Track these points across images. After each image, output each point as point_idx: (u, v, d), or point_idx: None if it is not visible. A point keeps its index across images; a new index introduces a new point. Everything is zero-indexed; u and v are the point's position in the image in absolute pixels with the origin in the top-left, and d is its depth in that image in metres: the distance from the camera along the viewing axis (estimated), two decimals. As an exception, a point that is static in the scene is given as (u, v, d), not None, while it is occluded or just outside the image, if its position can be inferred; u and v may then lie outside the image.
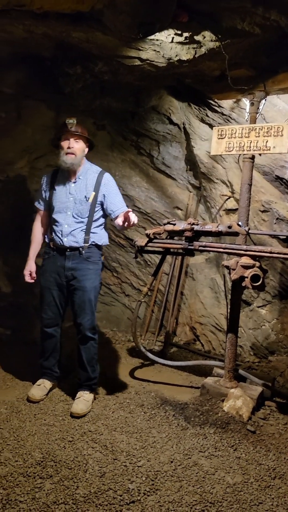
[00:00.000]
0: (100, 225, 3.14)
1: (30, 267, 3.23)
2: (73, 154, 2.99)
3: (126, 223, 2.82)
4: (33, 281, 3.25)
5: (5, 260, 4.45)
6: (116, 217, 3.00)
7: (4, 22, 2.55)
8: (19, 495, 2.13)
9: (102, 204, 3.10)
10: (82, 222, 3.04)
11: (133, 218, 2.79)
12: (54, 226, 3.09)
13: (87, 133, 3.09)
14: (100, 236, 3.14)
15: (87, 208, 3.03)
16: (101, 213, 3.11)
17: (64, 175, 3.11)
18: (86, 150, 3.11)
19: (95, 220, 3.08)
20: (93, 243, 3.09)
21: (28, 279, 3.25)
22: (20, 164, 4.03)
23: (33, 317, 4.41)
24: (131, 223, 2.80)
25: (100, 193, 3.07)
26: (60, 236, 3.04)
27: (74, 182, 3.08)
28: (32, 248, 3.27)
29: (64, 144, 3.00)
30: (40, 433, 2.68)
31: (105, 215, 3.15)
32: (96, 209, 3.06)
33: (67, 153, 2.99)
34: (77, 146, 3.01)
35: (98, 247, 3.13)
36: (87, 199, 3.04)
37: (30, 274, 3.24)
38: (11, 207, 4.33)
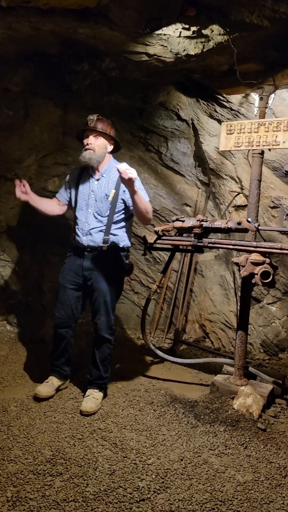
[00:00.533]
0: (122, 227, 3.08)
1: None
2: (91, 150, 2.97)
3: (123, 178, 2.67)
4: (23, 195, 3.07)
5: (13, 258, 4.46)
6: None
7: (11, 19, 2.54)
8: (29, 493, 2.13)
9: (125, 203, 3.03)
10: (101, 221, 3.01)
11: (126, 170, 2.63)
12: (76, 224, 3.08)
13: (109, 130, 3.06)
14: (121, 238, 3.07)
15: (107, 207, 2.99)
16: (124, 214, 3.04)
17: (88, 172, 3.10)
18: (110, 147, 3.08)
19: (116, 221, 3.02)
20: (114, 245, 3.04)
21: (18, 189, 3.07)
22: (28, 162, 4.02)
23: (41, 315, 4.42)
24: (126, 175, 2.63)
25: (120, 190, 3.00)
26: (80, 234, 3.04)
27: (98, 180, 3.06)
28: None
29: (85, 140, 3.01)
30: (50, 431, 2.68)
31: (129, 216, 3.09)
32: (117, 208, 3.01)
33: (85, 149, 2.98)
34: (96, 143, 2.99)
35: (118, 248, 3.07)
36: (107, 197, 3.00)
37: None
38: (19, 205, 4.34)
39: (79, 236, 3.04)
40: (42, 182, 4.21)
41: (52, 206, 3.24)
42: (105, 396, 3.16)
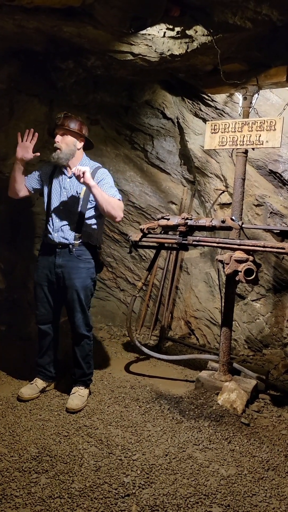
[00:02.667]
0: (94, 224, 3.07)
1: None
2: (58, 149, 2.96)
3: (78, 177, 2.77)
4: (26, 154, 3.01)
5: (0, 255, 4.44)
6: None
7: (-5, 17, 2.53)
8: (14, 490, 2.14)
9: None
10: (73, 218, 3.00)
11: (76, 169, 2.74)
12: (47, 221, 3.07)
13: (78, 127, 3.00)
14: (93, 235, 3.08)
15: (79, 204, 3.00)
16: (95, 211, 3.04)
17: (60, 169, 3.09)
18: (80, 144, 3.05)
19: (88, 218, 3.03)
20: (85, 242, 3.05)
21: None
22: (14, 159, 3.99)
23: (28, 312, 4.42)
24: (78, 171, 2.74)
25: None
26: (51, 231, 3.03)
27: (70, 177, 3.05)
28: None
29: (55, 139, 3.00)
30: (36, 428, 2.70)
31: (100, 214, 3.06)
32: (89, 206, 3.02)
33: (55, 148, 2.97)
34: (64, 141, 2.98)
35: (90, 246, 3.08)
36: (78, 194, 3.01)
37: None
38: (5, 202, 4.32)
39: (50, 233, 3.03)
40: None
41: (21, 188, 3.15)
42: (90, 392, 3.18)
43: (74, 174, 2.80)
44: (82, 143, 3.08)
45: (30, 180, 3.18)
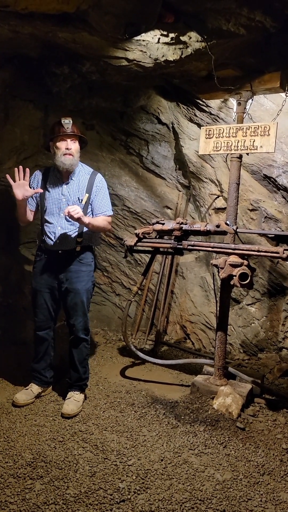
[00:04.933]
0: None
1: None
2: (71, 155, 2.97)
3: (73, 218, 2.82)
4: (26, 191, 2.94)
5: (-6, 260, 4.43)
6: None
7: (-11, 22, 2.54)
8: (9, 496, 2.13)
9: (91, 205, 3.09)
10: (74, 224, 3.01)
11: (72, 213, 2.78)
12: (45, 228, 3.06)
13: (82, 132, 3.08)
14: (92, 238, 3.13)
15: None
16: (92, 215, 3.10)
17: (56, 175, 3.08)
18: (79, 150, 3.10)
19: None
20: (86, 245, 3.08)
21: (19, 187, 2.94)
22: (8, 164, 4.00)
23: (23, 317, 4.40)
24: (75, 214, 2.79)
25: (92, 195, 3.06)
26: (52, 238, 3.03)
27: (67, 183, 3.05)
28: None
29: (61, 145, 2.97)
30: (31, 434, 2.69)
31: None
32: (88, 210, 3.06)
33: (65, 154, 2.95)
34: (75, 147, 3.00)
35: (90, 248, 3.13)
36: (80, 200, 3.03)
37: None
38: None
39: (51, 240, 3.03)
40: (23, 184, 4.18)
41: (29, 215, 3.16)
42: (85, 397, 3.17)
43: (69, 216, 2.82)
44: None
45: (30, 201, 3.13)
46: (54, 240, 3.02)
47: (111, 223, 3.18)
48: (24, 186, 2.92)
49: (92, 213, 3.11)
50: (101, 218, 3.08)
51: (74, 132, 2.98)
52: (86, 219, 2.92)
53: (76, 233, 3.03)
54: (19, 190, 2.92)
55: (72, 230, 3.02)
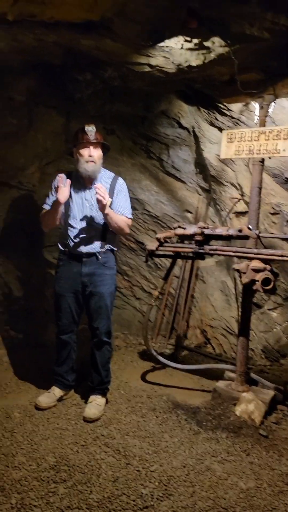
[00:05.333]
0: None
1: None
2: (93, 162, 3.00)
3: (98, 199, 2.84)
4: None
5: (16, 264, 4.49)
6: None
7: (16, 31, 2.58)
8: (33, 500, 2.15)
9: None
10: (98, 228, 3.05)
11: (101, 197, 2.81)
12: (69, 232, 3.08)
13: (103, 139, 3.10)
14: (114, 241, 3.16)
15: (103, 214, 3.02)
16: None
17: (79, 180, 3.10)
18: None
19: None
20: (109, 248, 3.11)
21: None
22: (31, 169, 4.06)
23: (44, 320, 4.45)
24: (102, 199, 2.82)
25: (113, 198, 3.08)
26: (76, 242, 3.05)
27: (89, 189, 3.07)
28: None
29: (84, 152, 2.99)
30: (53, 437, 2.71)
31: None
32: None
33: (88, 161, 2.99)
34: (97, 154, 3.02)
35: (113, 252, 3.16)
36: None
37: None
38: (22, 213, 4.38)
39: (75, 244, 3.06)
40: (45, 189, 4.22)
41: (58, 219, 3.17)
42: (107, 401, 3.18)
43: (97, 191, 2.84)
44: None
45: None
46: (78, 244, 3.05)
47: (130, 226, 3.18)
48: (67, 191, 2.98)
49: None
50: (121, 217, 3.08)
51: (97, 140, 3.01)
52: (108, 208, 2.93)
53: (100, 236, 3.06)
54: (63, 194, 2.95)
55: (96, 234, 3.05)
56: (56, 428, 2.83)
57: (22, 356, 4.03)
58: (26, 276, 4.54)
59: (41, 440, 2.68)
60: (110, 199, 3.04)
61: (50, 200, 3.15)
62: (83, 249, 3.05)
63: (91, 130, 2.97)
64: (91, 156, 2.98)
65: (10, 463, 2.43)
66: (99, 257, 3.05)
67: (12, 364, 3.87)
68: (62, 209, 3.11)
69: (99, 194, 2.84)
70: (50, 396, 3.14)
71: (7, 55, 2.91)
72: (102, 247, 3.07)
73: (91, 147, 3.00)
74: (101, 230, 3.06)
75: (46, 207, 3.16)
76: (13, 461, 2.45)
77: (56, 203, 2.97)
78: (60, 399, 3.18)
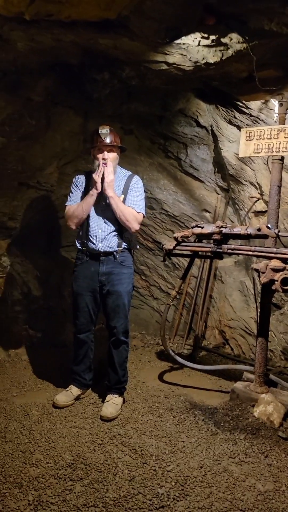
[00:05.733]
0: None
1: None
2: (107, 164, 2.99)
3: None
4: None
5: (35, 263, 4.53)
6: None
7: (34, 32, 2.60)
8: (50, 497, 2.16)
9: None
10: (114, 226, 3.06)
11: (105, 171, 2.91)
12: (87, 231, 3.10)
13: (119, 140, 3.09)
14: (132, 239, 3.17)
15: None
16: None
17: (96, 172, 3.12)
18: (118, 156, 3.12)
19: None
20: (126, 247, 3.11)
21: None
22: (50, 169, 4.09)
23: (62, 319, 4.48)
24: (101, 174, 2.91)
25: (127, 195, 3.09)
26: (94, 241, 3.06)
27: None
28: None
29: (99, 155, 3.01)
30: (71, 436, 2.72)
31: None
32: None
33: (103, 163, 2.99)
34: (112, 156, 3.02)
35: (130, 251, 3.16)
36: None
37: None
38: (40, 212, 4.42)
39: (93, 243, 3.06)
40: (63, 189, 4.27)
41: None
42: (124, 400, 3.17)
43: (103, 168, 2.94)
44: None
45: (75, 201, 3.17)
46: (95, 243, 3.05)
47: (139, 223, 3.09)
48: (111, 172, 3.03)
49: None
50: (129, 208, 3.03)
51: (112, 142, 3.01)
52: (112, 193, 2.97)
53: (117, 235, 3.06)
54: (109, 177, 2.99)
55: (113, 232, 3.05)
56: (73, 426, 2.84)
57: (41, 355, 4.06)
58: (44, 276, 4.58)
59: (58, 438, 2.69)
60: (123, 195, 3.06)
61: (73, 196, 3.17)
62: (101, 248, 3.05)
63: (105, 132, 2.97)
64: (104, 159, 2.99)
65: (28, 460, 2.45)
66: (117, 256, 3.06)
67: (30, 362, 3.91)
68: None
69: (102, 171, 2.89)
70: (68, 394, 3.16)
71: (25, 56, 2.93)
72: (119, 246, 3.07)
73: (106, 151, 3.01)
74: (118, 229, 3.06)
75: (71, 203, 3.16)
76: (30, 458, 2.47)
77: (95, 193, 2.99)
78: (77, 398, 3.20)
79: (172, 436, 2.75)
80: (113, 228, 3.06)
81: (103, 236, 3.05)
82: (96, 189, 2.98)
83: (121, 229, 3.07)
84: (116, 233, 3.07)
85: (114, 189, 3.01)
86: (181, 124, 4.24)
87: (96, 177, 2.97)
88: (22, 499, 2.15)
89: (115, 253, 3.06)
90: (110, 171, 2.98)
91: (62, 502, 2.13)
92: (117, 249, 3.06)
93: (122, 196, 3.08)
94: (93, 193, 3.01)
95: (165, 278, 4.96)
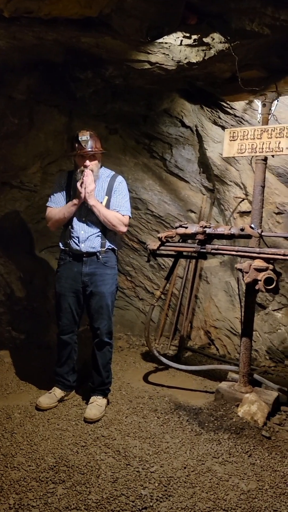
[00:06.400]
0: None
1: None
2: (90, 171, 2.95)
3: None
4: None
5: (18, 264, 4.49)
6: None
7: (14, 29, 2.57)
8: (31, 500, 2.13)
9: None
10: (97, 227, 3.03)
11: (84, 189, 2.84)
12: (69, 231, 3.07)
13: (100, 144, 3.02)
14: (115, 240, 3.14)
15: None
16: None
17: (76, 180, 3.10)
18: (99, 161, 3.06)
19: None
20: (110, 248, 3.09)
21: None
22: (33, 169, 4.06)
23: (47, 321, 4.44)
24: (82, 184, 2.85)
25: (111, 196, 3.06)
26: (76, 242, 3.03)
27: None
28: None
29: (80, 162, 2.97)
30: (53, 438, 2.68)
31: None
32: None
33: (83, 171, 2.95)
34: (93, 162, 2.98)
35: (114, 251, 3.13)
36: (100, 203, 3.02)
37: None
38: (23, 212, 4.38)
39: (76, 244, 3.03)
40: (47, 189, 4.23)
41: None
42: (108, 402, 3.15)
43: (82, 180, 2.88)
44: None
45: (61, 202, 3.13)
46: (78, 244, 3.03)
47: (126, 225, 3.07)
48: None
49: None
50: (112, 213, 3.01)
51: (93, 149, 2.94)
52: (92, 201, 2.92)
53: (100, 236, 3.04)
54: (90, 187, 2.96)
55: (96, 233, 3.03)
56: (56, 428, 2.81)
57: (24, 357, 4.02)
58: (28, 277, 4.54)
59: (41, 440, 2.65)
60: (107, 197, 3.03)
61: (54, 198, 3.13)
62: (84, 248, 3.03)
63: (85, 139, 2.92)
64: (85, 166, 2.95)
65: (9, 464, 2.41)
66: (100, 256, 3.04)
67: (13, 364, 3.86)
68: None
69: (82, 183, 2.85)
70: (51, 396, 3.12)
71: (6, 54, 2.91)
72: (102, 246, 3.05)
73: (86, 156, 2.95)
74: (101, 229, 3.04)
75: (51, 204, 3.13)
76: (12, 462, 2.43)
77: (77, 201, 2.96)
78: (61, 400, 3.16)
79: (156, 437, 2.74)
80: (96, 230, 3.03)
81: (85, 237, 3.02)
82: (79, 199, 2.95)
83: (105, 230, 3.05)
84: (99, 234, 3.04)
85: (95, 197, 2.96)
86: (166, 124, 4.24)
87: (79, 187, 2.91)
88: (2, 502, 2.11)
89: (98, 253, 3.03)
90: (91, 180, 2.92)
91: (43, 505, 2.10)
92: (100, 249, 3.04)
93: (106, 197, 3.04)
94: (76, 202, 2.98)
95: (150, 278, 4.95)
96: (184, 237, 3.36)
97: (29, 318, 4.41)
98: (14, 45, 2.83)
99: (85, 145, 2.93)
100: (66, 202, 3.10)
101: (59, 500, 2.14)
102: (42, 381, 3.46)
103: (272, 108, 3.32)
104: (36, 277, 4.60)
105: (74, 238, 3.04)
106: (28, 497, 2.15)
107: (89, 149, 2.94)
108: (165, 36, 2.64)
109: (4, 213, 4.18)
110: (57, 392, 3.16)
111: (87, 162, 2.95)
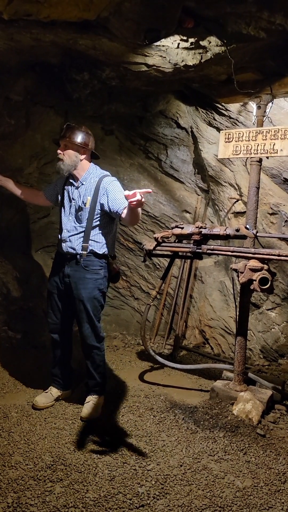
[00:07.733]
0: (102, 233, 3.00)
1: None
2: (61, 160, 2.96)
3: (133, 202, 2.45)
4: None
5: (15, 264, 4.49)
6: (122, 214, 2.82)
7: (12, 31, 2.58)
8: (29, 499, 2.15)
9: (103, 210, 2.93)
10: (80, 228, 2.98)
11: (138, 196, 2.41)
12: (59, 230, 3.11)
13: (79, 140, 2.94)
14: (101, 244, 3.00)
15: (85, 215, 2.95)
16: (102, 220, 2.98)
17: (69, 180, 3.10)
18: (81, 156, 2.98)
19: (95, 227, 2.97)
20: (92, 251, 2.98)
21: None
22: (29, 169, 4.06)
23: (43, 321, 4.44)
24: (136, 201, 2.43)
25: (98, 197, 2.93)
26: (62, 241, 3.04)
27: (77, 188, 3.03)
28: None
29: (57, 150, 3.02)
30: (50, 437, 2.70)
31: (110, 221, 3.02)
32: (96, 215, 2.95)
33: (58, 159, 3.00)
34: (66, 153, 2.96)
35: (98, 255, 3.00)
36: (84, 204, 2.96)
37: None
38: (20, 212, 4.38)
39: (61, 242, 3.05)
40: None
41: (34, 196, 3.37)
42: (104, 401, 3.17)
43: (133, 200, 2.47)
44: (85, 155, 3.02)
45: (49, 191, 3.29)
46: (62, 243, 3.03)
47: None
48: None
49: (110, 217, 3.00)
50: (136, 210, 2.75)
51: (65, 138, 2.94)
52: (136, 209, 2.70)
53: (82, 238, 2.97)
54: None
55: (78, 235, 2.98)
56: (53, 427, 2.83)
57: (20, 357, 4.02)
58: (24, 277, 4.54)
59: (38, 439, 2.67)
60: (89, 197, 2.94)
61: (49, 188, 3.33)
62: (65, 248, 3.01)
63: (64, 128, 2.98)
64: (58, 154, 2.98)
65: (7, 463, 2.43)
66: (80, 260, 2.96)
67: (10, 364, 3.86)
68: (51, 193, 3.29)
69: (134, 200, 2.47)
70: (48, 396, 3.14)
71: (3, 55, 2.92)
72: (84, 249, 2.95)
73: (61, 144, 2.99)
74: (83, 230, 2.97)
75: (44, 191, 3.34)
76: (10, 461, 2.45)
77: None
78: (57, 399, 3.18)
79: (152, 436, 2.77)
80: (78, 230, 2.98)
81: (67, 236, 3.00)
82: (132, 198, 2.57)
83: (87, 232, 2.96)
84: (80, 235, 2.97)
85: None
86: (161, 125, 4.27)
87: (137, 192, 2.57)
88: (1, 501, 2.13)
89: (78, 256, 2.97)
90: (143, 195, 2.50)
91: (41, 504, 2.12)
92: (81, 252, 2.96)
93: (88, 198, 2.94)
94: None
95: (146, 278, 4.98)
96: (180, 238, 3.39)
97: (26, 318, 4.41)
98: (11, 47, 2.84)
99: (63, 133, 2.97)
100: (56, 198, 3.24)
101: (57, 499, 2.16)
102: (38, 380, 3.48)
103: (266, 110, 3.36)
104: (32, 277, 4.61)
105: (60, 237, 3.07)
106: (26, 495, 2.17)
107: (62, 135, 2.98)
108: (162, 39, 2.66)
109: (0, 213, 4.18)
110: (54, 391, 3.17)
111: (58, 150, 2.99)
